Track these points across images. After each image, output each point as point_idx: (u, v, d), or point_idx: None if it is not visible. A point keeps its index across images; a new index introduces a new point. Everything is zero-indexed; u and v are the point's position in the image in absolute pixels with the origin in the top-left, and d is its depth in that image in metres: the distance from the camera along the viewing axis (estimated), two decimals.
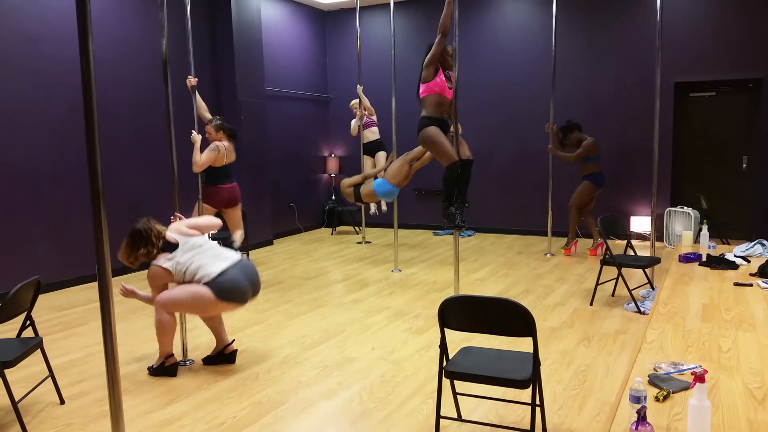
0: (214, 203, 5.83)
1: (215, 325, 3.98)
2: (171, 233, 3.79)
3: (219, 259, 3.70)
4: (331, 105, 10.13)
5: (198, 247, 3.73)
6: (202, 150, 5.56)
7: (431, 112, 5.25)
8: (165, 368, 3.78)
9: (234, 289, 3.62)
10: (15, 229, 5.65)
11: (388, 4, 9.23)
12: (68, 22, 6.02)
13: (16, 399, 3.08)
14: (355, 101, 8.46)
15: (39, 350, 3.33)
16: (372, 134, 8.26)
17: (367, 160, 8.20)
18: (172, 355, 3.80)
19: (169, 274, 3.67)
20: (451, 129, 4.84)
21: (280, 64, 9.01)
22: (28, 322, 3.32)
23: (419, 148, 5.92)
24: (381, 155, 8.23)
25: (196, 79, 5.50)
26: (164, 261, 3.68)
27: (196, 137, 5.45)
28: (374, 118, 8.28)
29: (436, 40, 5.15)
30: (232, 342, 4.04)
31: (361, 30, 8.15)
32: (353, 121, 8.28)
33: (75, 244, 6.16)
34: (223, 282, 3.59)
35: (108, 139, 6.43)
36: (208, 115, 5.98)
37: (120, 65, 6.57)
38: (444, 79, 5.27)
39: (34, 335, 3.34)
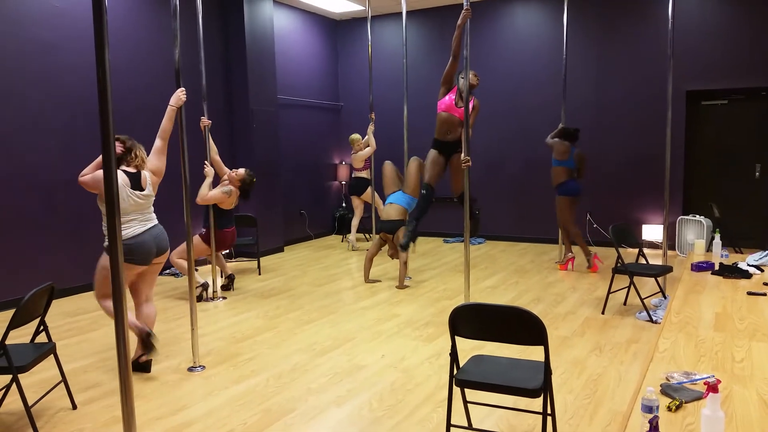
0: (219, 245, 5.83)
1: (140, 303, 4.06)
2: (147, 174, 3.84)
3: (144, 222, 3.78)
4: (342, 113, 10.17)
5: (148, 206, 3.82)
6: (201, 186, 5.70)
7: (437, 132, 5.75)
8: (138, 364, 3.88)
9: (139, 250, 3.74)
10: (28, 236, 5.71)
11: (400, 13, 9.29)
12: (82, 30, 6.10)
13: (30, 404, 3.11)
14: (355, 135, 8.47)
15: (52, 355, 3.37)
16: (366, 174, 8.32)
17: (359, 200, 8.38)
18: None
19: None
20: (462, 156, 4.77)
21: (292, 73, 9.07)
22: (42, 328, 3.35)
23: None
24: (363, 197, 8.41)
25: (210, 121, 5.70)
26: (121, 177, 3.71)
27: (210, 171, 5.65)
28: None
29: (448, 63, 5.46)
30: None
31: (372, 39, 8.19)
32: (362, 153, 8.26)
33: (87, 251, 6.20)
34: (131, 244, 3.71)
35: None
36: (218, 158, 5.95)
37: (133, 74, 6.65)
38: (453, 98, 5.59)
39: (47, 340, 3.37)
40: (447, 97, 5.63)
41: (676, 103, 7.60)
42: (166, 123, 3.95)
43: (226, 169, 5.96)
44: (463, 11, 4.54)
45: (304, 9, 9.25)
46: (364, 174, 8.35)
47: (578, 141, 6.86)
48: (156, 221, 3.90)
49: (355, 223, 8.57)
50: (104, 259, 3.84)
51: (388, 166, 6.66)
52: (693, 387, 2.08)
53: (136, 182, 3.78)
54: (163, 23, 6.95)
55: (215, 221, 5.72)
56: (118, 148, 3.78)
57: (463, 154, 4.61)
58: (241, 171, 5.89)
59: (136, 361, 3.89)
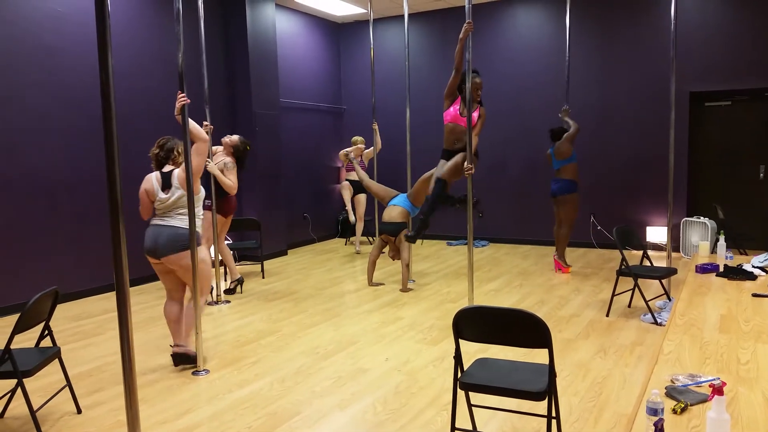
0: (226, 212, 5.94)
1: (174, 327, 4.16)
2: (176, 172, 3.96)
3: (160, 218, 3.97)
4: (344, 116, 10.18)
5: (173, 207, 3.95)
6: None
7: (445, 142, 5.79)
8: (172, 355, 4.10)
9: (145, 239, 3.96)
10: (34, 239, 5.73)
11: (402, 15, 9.29)
12: (86, 35, 6.13)
13: (35, 408, 3.11)
14: (358, 139, 8.40)
15: (57, 360, 3.37)
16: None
17: (348, 189, 8.35)
18: (176, 344, 4.07)
19: (147, 198, 3.97)
20: (465, 165, 4.77)
21: (295, 76, 9.08)
22: (47, 332, 3.36)
23: (429, 173, 6.16)
24: (362, 197, 8.39)
25: (212, 126, 5.73)
26: (157, 184, 3.96)
27: (214, 167, 5.69)
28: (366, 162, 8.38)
29: (451, 77, 5.49)
30: (181, 347, 4.15)
31: (374, 42, 8.19)
32: (350, 151, 8.23)
33: (92, 254, 6.22)
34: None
35: (125, 149, 6.50)
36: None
37: (136, 77, 6.67)
38: (458, 108, 5.62)
39: (52, 345, 3.37)
40: (452, 108, 5.66)
41: (679, 105, 7.56)
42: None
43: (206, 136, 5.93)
44: (465, 25, 4.54)
45: (306, 12, 9.27)
46: (351, 176, 8.34)
47: (558, 138, 6.80)
48: (172, 223, 3.94)
49: (359, 226, 8.55)
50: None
51: (370, 183, 6.73)
52: (698, 389, 2.07)
53: (166, 181, 3.96)
54: (165, 27, 6.97)
55: (217, 190, 5.75)
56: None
57: (466, 162, 4.60)
58: (235, 137, 5.91)
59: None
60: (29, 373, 3.02)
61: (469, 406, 2.97)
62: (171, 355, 4.10)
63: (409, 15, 8.87)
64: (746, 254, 6.02)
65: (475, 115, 5.55)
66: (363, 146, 8.29)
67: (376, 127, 7.47)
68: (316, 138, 9.57)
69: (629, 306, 5.32)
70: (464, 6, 4.63)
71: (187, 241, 3.89)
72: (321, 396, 3.58)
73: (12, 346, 3.02)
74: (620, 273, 5.05)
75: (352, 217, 8.45)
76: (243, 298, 6.03)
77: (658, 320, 4.81)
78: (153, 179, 3.97)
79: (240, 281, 6.19)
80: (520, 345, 2.58)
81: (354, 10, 9.15)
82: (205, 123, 5.72)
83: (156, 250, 3.89)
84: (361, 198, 8.39)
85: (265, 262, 7.59)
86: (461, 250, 8.60)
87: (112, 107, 2.01)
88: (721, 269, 4.00)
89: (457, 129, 5.63)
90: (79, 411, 3.43)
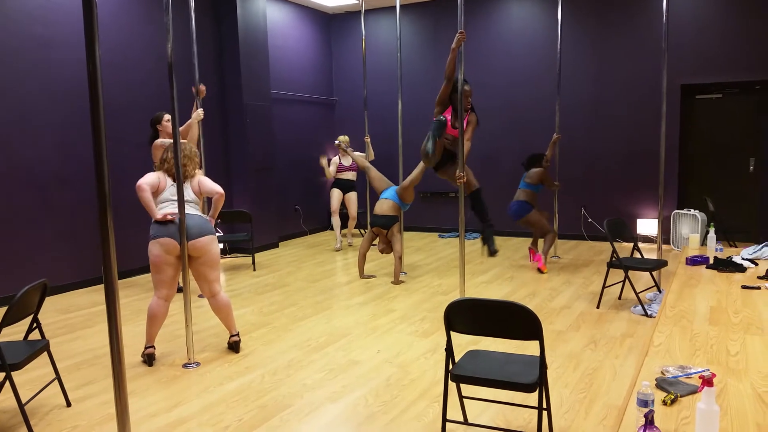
0: None
1: (221, 316, 4.21)
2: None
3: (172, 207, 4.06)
4: (336, 108, 10.15)
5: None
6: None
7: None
8: (142, 355, 4.03)
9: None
10: (22, 232, 5.68)
11: (394, 7, 9.26)
12: (76, 26, 6.06)
13: (23, 401, 3.09)
14: (343, 138, 8.31)
15: (45, 353, 3.35)
16: (352, 176, 8.27)
17: (337, 193, 8.28)
18: (151, 346, 4.01)
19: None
20: (457, 173, 4.74)
21: (286, 67, 9.03)
22: (35, 325, 3.33)
23: (419, 170, 6.13)
24: (353, 195, 8.33)
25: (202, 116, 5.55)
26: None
27: (197, 115, 5.52)
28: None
29: (443, 85, 5.31)
30: (236, 335, 4.24)
31: (366, 33, 8.16)
32: (331, 165, 8.23)
33: (81, 247, 6.18)
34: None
35: (114, 141, 6.46)
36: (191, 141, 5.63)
37: (126, 69, 6.60)
38: (450, 118, 5.43)
39: (40, 338, 3.34)
40: (447, 117, 5.43)
41: (671, 97, 7.61)
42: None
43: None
44: (457, 35, 4.51)
45: (298, 3, 9.21)
46: (342, 176, 8.32)
47: (532, 166, 6.70)
48: (194, 212, 4.09)
49: (351, 223, 8.50)
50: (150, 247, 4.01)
51: (369, 167, 6.65)
52: (688, 381, 2.08)
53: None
54: (155, 18, 6.90)
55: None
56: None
57: (458, 171, 4.59)
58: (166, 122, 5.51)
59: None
60: (18, 366, 2.99)
61: (461, 397, 2.98)
62: (146, 355, 3.97)
63: (401, 6, 8.83)
64: (736, 246, 6.06)
65: (464, 122, 5.44)
66: (347, 144, 8.20)
67: (368, 140, 7.41)
68: (307, 130, 9.53)
69: (620, 298, 5.34)
70: None
71: (212, 229, 4.09)
72: (312, 388, 3.57)
73: (0, 339, 2.99)
74: (611, 265, 5.07)
75: (336, 220, 8.36)
76: (234, 290, 6.01)
77: (649, 312, 4.83)
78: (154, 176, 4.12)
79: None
80: (511, 337, 2.58)
81: (345, 1, 9.09)
82: (199, 111, 5.52)
83: (189, 233, 3.93)
84: (352, 196, 8.33)
85: (256, 255, 7.57)
86: (453, 242, 8.61)
87: (99, 98, 1.98)
88: (711, 261, 4.02)
89: (450, 137, 5.47)
90: (68, 404, 3.41)
